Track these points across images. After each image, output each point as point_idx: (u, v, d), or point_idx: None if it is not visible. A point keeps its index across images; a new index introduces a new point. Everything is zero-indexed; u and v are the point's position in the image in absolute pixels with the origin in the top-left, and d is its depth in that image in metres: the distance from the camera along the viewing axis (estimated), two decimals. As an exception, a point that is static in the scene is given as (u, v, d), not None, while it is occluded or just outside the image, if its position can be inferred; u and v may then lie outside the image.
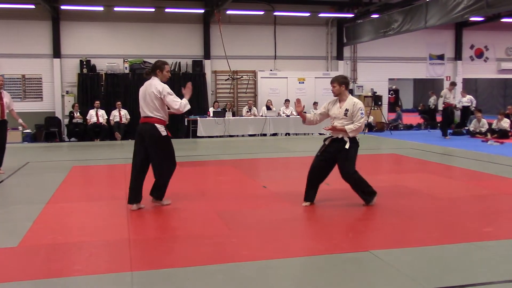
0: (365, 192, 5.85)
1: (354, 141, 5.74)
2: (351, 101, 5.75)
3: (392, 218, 5.38)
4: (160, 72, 5.73)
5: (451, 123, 15.64)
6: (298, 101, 6.04)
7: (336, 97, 5.90)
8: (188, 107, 5.72)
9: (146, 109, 5.67)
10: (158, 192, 5.91)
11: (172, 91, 5.67)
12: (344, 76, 6.01)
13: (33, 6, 14.79)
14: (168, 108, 5.75)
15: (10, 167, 9.08)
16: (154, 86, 5.62)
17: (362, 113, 5.67)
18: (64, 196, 6.72)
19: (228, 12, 16.09)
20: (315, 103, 16.24)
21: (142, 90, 5.75)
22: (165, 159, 5.75)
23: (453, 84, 14.64)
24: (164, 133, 5.66)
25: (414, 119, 20.58)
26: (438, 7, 12.20)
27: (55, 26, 15.59)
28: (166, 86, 5.66)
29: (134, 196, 5.74)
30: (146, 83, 5.75)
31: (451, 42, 19.31)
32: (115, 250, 4.34)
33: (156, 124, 5.63)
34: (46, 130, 15.30)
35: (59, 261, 4.08)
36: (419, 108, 21.13)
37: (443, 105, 14.61)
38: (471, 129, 15.35)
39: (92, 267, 3.91)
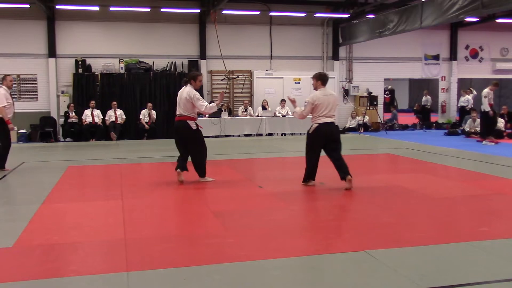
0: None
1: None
2: None
3: (388, 218, 5.40)
4: (193, 81, 7.23)
5: (495, 125, 14.27)
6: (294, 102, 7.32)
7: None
8: (214, 109, 7.36)
9: (181, 109, 7.21)
10: (199, 171, 7.42)
11: (200, 97, 7.20)
12: (321, 73, 6.97)
13: (28, 6, 14.72)
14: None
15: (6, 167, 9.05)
16: (187, 92, 7.12)
17: (305, 103, 6.88)
18: (59, 196, 6.70)
19: (224, 12, 16.06)
20: (311, 103, 16.24)
21: (179, 94, 7.27)
22: (198, 146, 7.30)
23: (496, 85, 13.90)
24: (194, 127, 7.20)
25: (409, 119, 20.63)
26: (434, 8, 12.24)
27: (50, 25, 15.53)
28: (197, 93, 7.18)
29: (181, 165, 7.29)
30: (182, 89, 7.27)
31: (446, 43, 19.35)
32: (111, 250, 4.33)
33: (188, 121, 7.16)
34: (41, 130, 15.23)
35: (54, 262, 4.06)
36: (415, 108, 21.18)
37: (489, 105, 13.45)
38: (466, 129, 15.39)
39: (87, 267, 3.90)
